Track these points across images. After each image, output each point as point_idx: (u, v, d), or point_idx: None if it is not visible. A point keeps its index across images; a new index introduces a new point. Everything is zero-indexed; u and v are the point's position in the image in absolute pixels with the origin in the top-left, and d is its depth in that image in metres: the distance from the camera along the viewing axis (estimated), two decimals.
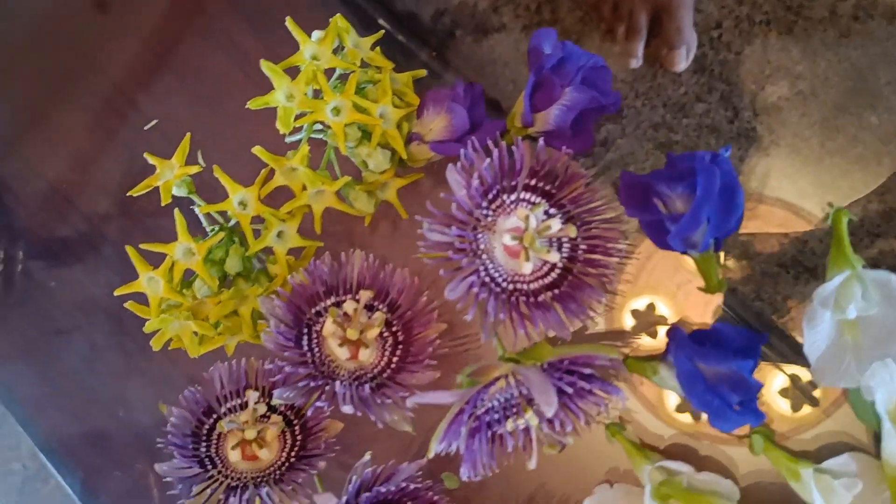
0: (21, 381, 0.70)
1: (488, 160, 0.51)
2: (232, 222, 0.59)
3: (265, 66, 0.55)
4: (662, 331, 0.56)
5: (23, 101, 0.74)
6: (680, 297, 0.57)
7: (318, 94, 0.57)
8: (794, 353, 0.55)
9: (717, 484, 0.52)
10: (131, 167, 0.69)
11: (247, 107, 0.55)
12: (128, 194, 0.58)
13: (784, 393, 0.56)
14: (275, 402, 0.56)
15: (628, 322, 0.59)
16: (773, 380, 0.56)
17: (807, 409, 0.55)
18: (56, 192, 0.71)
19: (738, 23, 0.59)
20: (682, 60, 0.58)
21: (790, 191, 0.56)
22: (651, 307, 0.59)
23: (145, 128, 0.69)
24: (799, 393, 0.55)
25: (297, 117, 0.55)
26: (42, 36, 0.74)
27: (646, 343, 0.58)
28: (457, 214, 0.52)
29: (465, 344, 0.58)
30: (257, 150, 0.55)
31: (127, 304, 0.57)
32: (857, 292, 0.49)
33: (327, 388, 0.54)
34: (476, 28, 0.64)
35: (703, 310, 0.57)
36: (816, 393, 0.55)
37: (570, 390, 0.50)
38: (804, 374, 0.55)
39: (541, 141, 0.53)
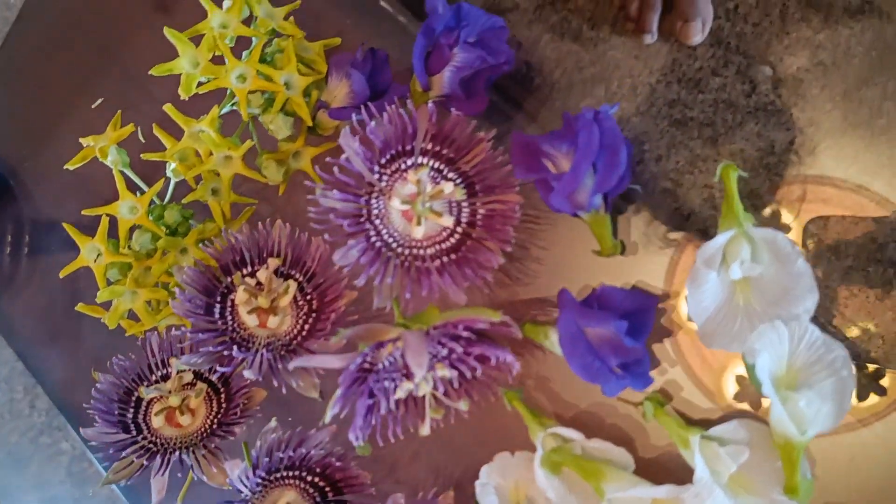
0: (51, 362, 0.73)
1: (374, 122, 0.51)
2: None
3: (169, 34, 0.55)
4: None
5: (48, 98, 0.75)
6: None
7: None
8: None
9: (610, 452, 0.50)
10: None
11: (149, 73, 0.56)
12: (65, 167, 0.60)
13: None
14: (180, 367, 0.56)
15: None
16: None
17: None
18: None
19: None
20: (698, 33, 0.55)
21: (811, 165, 0.52)
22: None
23: (93, 106, 0.71)
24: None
25: (201, 84, 0.56)
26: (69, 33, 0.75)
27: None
28: (341, 178, 0.51)
29: (375, 312, 0.57)
30: (168, 107, 0.56)
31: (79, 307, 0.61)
32: (746, 251, 0.46)
33: (225, 353, 0.54)
34: (489, 8, 0.60)
35: None
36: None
37: (444, 353, 0.49)
38: None
39: (430, 103, 0.52)
